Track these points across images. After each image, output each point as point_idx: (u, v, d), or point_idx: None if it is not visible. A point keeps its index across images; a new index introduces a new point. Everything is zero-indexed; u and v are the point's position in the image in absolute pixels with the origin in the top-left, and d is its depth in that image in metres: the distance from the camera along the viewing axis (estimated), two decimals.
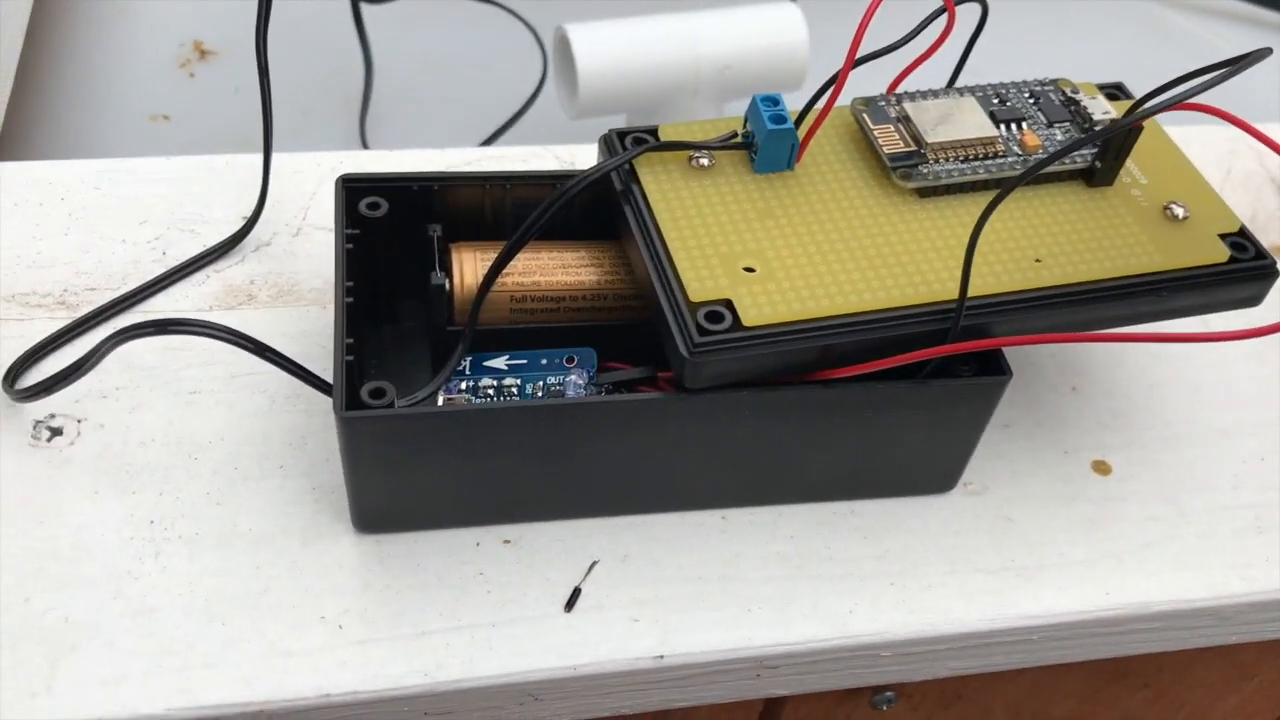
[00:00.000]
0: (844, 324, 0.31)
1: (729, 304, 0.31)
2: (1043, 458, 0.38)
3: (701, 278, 0.31)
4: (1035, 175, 0.35)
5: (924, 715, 0.44)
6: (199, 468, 0.35)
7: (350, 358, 0.31)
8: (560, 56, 0.56)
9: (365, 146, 0.60)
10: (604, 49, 0.54)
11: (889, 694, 0.40)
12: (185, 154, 0.59)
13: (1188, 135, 0.40)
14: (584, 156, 0.45)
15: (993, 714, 0.45)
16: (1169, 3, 0.81)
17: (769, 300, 0.31)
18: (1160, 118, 0.33)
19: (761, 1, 0.58)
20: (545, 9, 0.61)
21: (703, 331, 0.30)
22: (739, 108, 0.59)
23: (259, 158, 0.43)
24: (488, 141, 0.58)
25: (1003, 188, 0.30)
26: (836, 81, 0.33)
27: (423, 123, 0.61)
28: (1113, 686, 0.45)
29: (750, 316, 0.31)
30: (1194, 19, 0.79)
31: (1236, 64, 0.28)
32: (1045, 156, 0.30)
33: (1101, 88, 0.38)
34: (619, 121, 0.61)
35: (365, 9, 0.61)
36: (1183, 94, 0.28)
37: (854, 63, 0.33)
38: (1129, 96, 0.38)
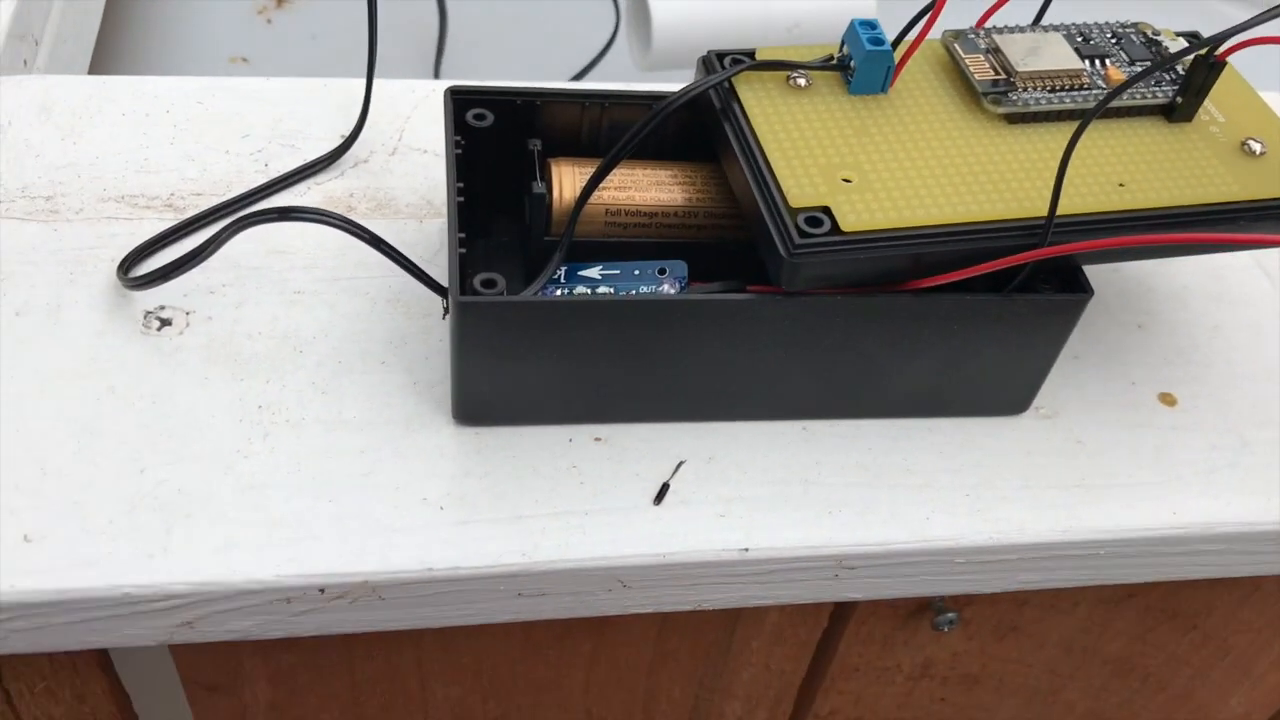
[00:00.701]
0: (937, 233, 0.33)
1: (827, 210, 0.32)
2: (1111, 388, 0.39)
3: (801, 185, 0.33)
4: (1119, 108, 0.36)
5: (978, 645, 0.45)
6: (304, 360, 0.36)
7: (463, 250, 0.33)
8: (635, 8, 0.58)
9: None
10: (679, 2, 0.56)
11: (951, 615, 0.41)
12: None
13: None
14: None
15: (1045, 649, 0.46)
16: None
17: (866, 208, 0.32)
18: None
19: None
20: None
21: (802, 234, 0.32)
22: None
23: (355, 83, 0.45)
24: None
25: (1093, 107, 0.31)
26: (933, 9, 0.34)
27: (495, 72, 0.63)
28: (1162, 627, 0.46)
29: (849, 222, 0.32)
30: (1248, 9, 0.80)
31: None
32: (1138, 72, 0.31)
33: (1179, 34, 0.39)
34: (688, 76, 0.62)
35: None
36: (1257, 20, 0.29)
37: None
38: (1206, 42, 0.40)
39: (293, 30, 0.65)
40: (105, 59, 0.61)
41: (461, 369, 0.34)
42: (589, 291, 0.36)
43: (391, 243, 0.40)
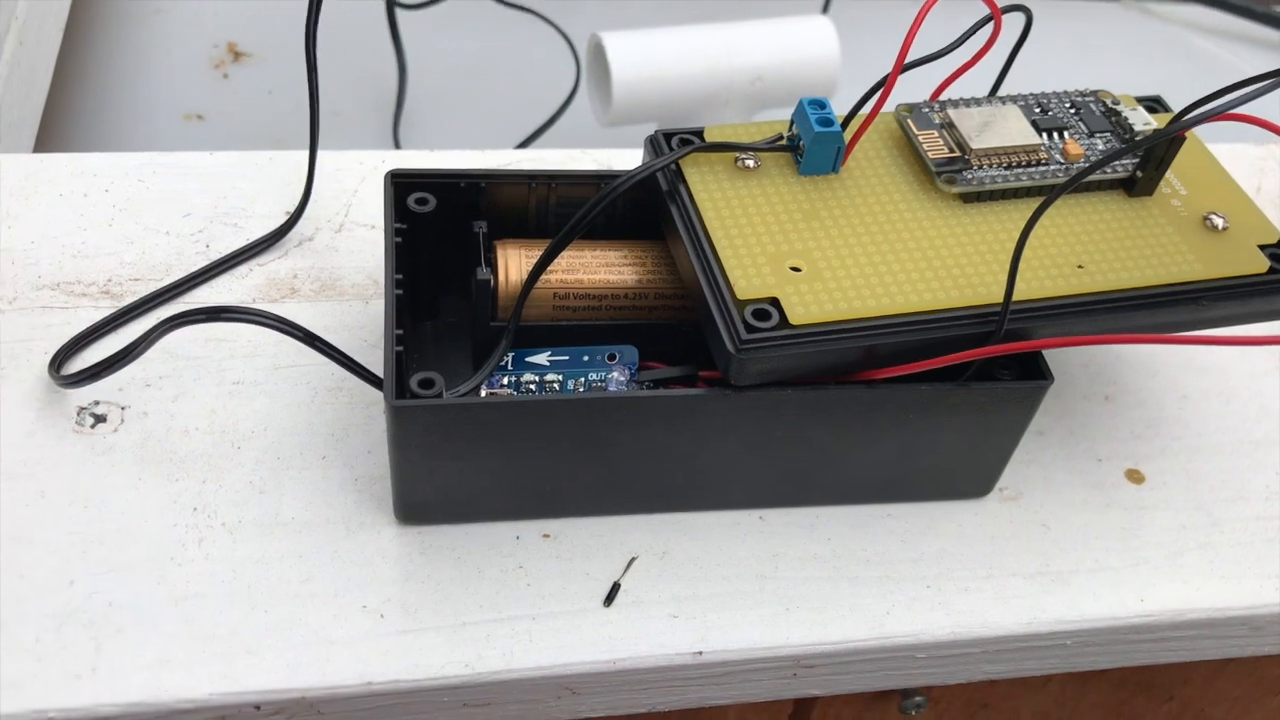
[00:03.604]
0: (888, 324, 0.32)
1: (775, 302, 0.31)
2: (1077, 465, 0.38)
3: (749, 275, 0.32)
4: (1077, 184, 0.35)
5: None
6: (242, 457, 0.35)
7: (400, 348, 0.32)
8: (594, 64, 0.57)
9: (398, 148, 0.60)
10: (638, 57, 0.55)
11: (918, 699, 0.40)
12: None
13: (1218, 152, 0.40)
14: (619, 161, 0.46)
15: None
16: (1196, 28, 0.81)
17: (815, 299, 0.31)
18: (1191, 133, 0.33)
19: (793, 13, 0.58)
20: (579, 17, 0.61)
21: (750, 329, 0.31)
22: (769, 117, 0.60)
23: (301, 154, 0.44)
24: (521, 146, 0.58)
25: (1051, 193, 0.30)
26: (883, 87, 0.33)
27: (455, 127, 0.62)
28: (1138, 699, 0.45)
29: (797, 315, 0.31)
30: (1221, 44, 0.80)
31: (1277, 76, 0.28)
32: (1093, 162, 0.30)
33: (1140, 100, 0.39)
34: (649, 130, 0.61)
35: (400, 13, 0.61)
36: (1227, 104, 0.28)
37: (901, 69, 0.33)
38: (1167, 109, 0.39)
39: (249, 85, 0.64)
40: (57, 116, 0.59)
41: (401, 470, 0.32)
42: (537, 379, 0.35)
43: (335, 326, 0.39)
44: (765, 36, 0.57)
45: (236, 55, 0.66)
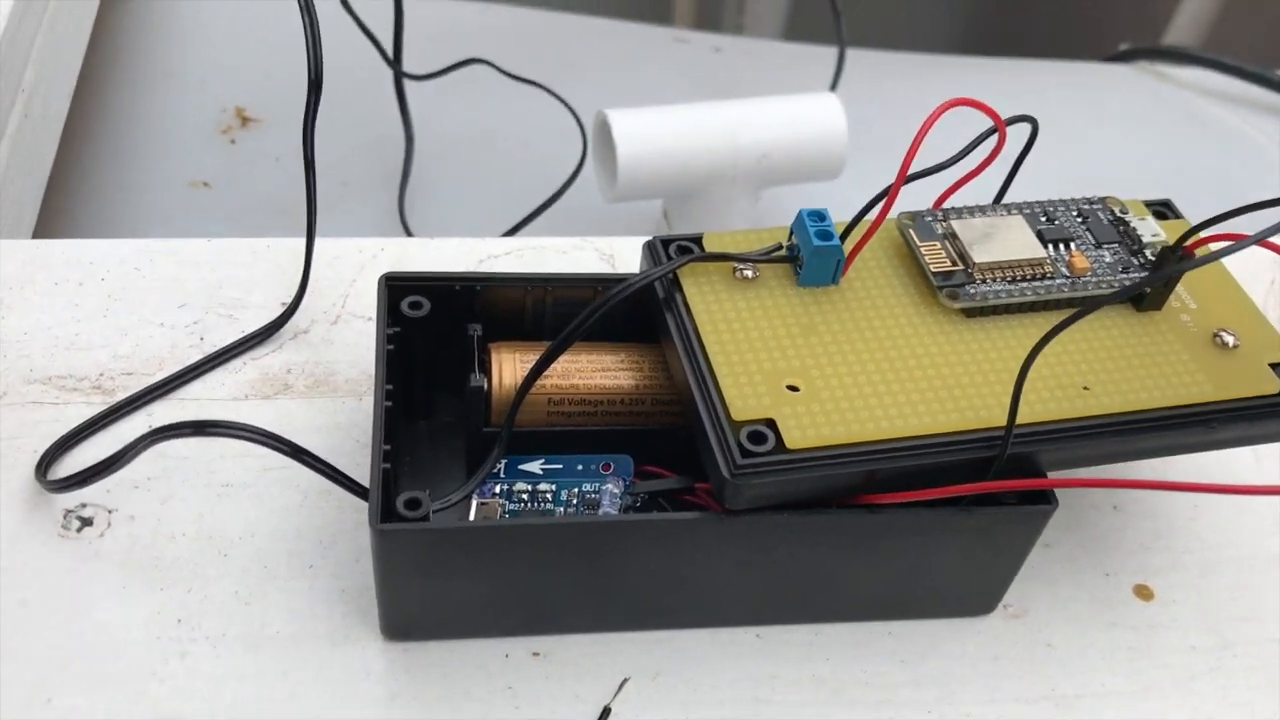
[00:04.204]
0: (889, 449, 0.31)
1: (772, 424, 0.31)
2: (1083, 580, 0.37)
3: (745, 395, 0.31)
4: (1084, 298, 0.34)
5: None
6: (229, 565, 0.34)
7: (387, 465, 0.31)
8: (600, 140, 0.56)
9: (403, 219, 0.60)
10: (644, 134, 0.54)
11: None
12: (225, 222, 0.59)
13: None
14: (622, 249, 0.45)
15: None
16: (1205, 92, 0.81)
17: (813, 421, 0.31)
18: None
19: (800, 90, 0.58)
20: (586, 92, 0.61)
21: (745, 453, 0.30)
22: (776, 195, 0.60)
23: (300, 241, 0.43)
24: (525, 221, 0.58)
25: (1054, 328, 0.29)
26: (886, 197, 0.33)
27: (462, 198, 0.61)
28: None
29: (794, 439, 0.30)
30: (1231, 109, 0.79)
31: None
32: (1105, 294, 0.30)
33: (1149, 205, 0.38)
34: (656, 206, 0.61)
35: (408, 84, 0.61)
36: (1258, 236, 0.28)
37: (904, 180, 0.32)
38: (1176, 215, 0.38)
39: (256, 151, 0.64)
40: (61, 184, 0.59)
41: (386, 591, 0.32)
42: (529, 488, 0.35)
43: (327, 426, 0.38)
44: (772, 114, 0.56)
45: (244, 121, 0.66)
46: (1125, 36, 1.02)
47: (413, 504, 0.30)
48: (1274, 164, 0.71)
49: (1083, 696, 0.34)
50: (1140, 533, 0.39)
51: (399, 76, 0.60)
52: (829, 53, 0.70)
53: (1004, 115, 0.34)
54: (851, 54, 0.68)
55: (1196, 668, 0.35)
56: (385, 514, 0.30)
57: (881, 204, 0.33)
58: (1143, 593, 0.37)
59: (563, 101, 0.59)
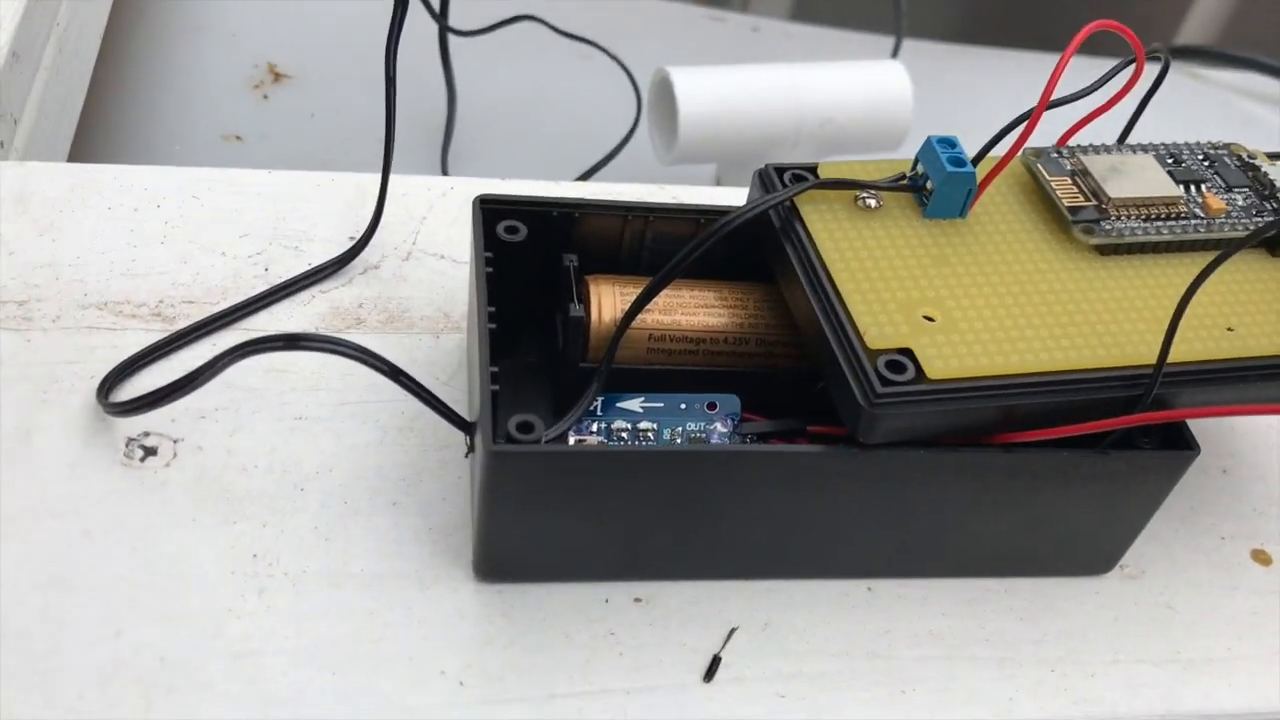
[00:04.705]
0: (1032, 384, 0.29)
1: (909, 354, 0.29)
2: (1199, 543, 0.35)
3: (880, 324, 0.29)
4: (1219, 240, 0.33)
5: None
6: (306, 500, 0.32)
7: (495, 388, 0.29)
8: (658, 99, 0.54)
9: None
10: (706, 93, 0.53)
11: None
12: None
13: None
14: (690, 197, 0.43)
15: None
16: (1244, 93, 0.80)
17: (954, 353, 0.29)
18: None
19: (866, 58, 0.56)
20: (642, 52, 0.59)
21: (885, 382, 0.28)
22: (839, 160, 0.58)
23: (361, 176, 0.41)
24: (579, 180, 0.56)
25: (1211, 262, 0.27)
26: (1026, 124, 0.31)
27: (506, 161, 0.59)
28: None
29: (935, 369, 0.28)
30: (1272, 110, 0.78)
31: None
32: (1252, 232, 0.28)
33: (1270, 156, 0.36)
34: (709, 171, 0.59)
35: (453, 40, 0.59)
36: None
37: (1046, 106, 0.31)
38: None
39: (290, 108, 0.61)
40: (90, 133, 0.57)
41: (488, 522, 0.29)
42: (629, 426, 0.33)
43: (404, 361, 0.36)
44: (837, 79, 0.55)
45: (277, 76, 0.63)
46: (1145, 38, 1.01)
47: (525, 427, 0.28)
48: None
49: (1210, 661, 0.33)
50: (1252, 496, 0.37)
51: (444, 31, 0.58)
52: (881, 41, 0.68)
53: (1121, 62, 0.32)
54: (905, 43, 0.66)
55: None
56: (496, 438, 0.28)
57: (1021, 132, 0.31)
58: (1260, 557, 0.35)
59: (617, 60, 0.57)
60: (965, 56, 0.78)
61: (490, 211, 0.33)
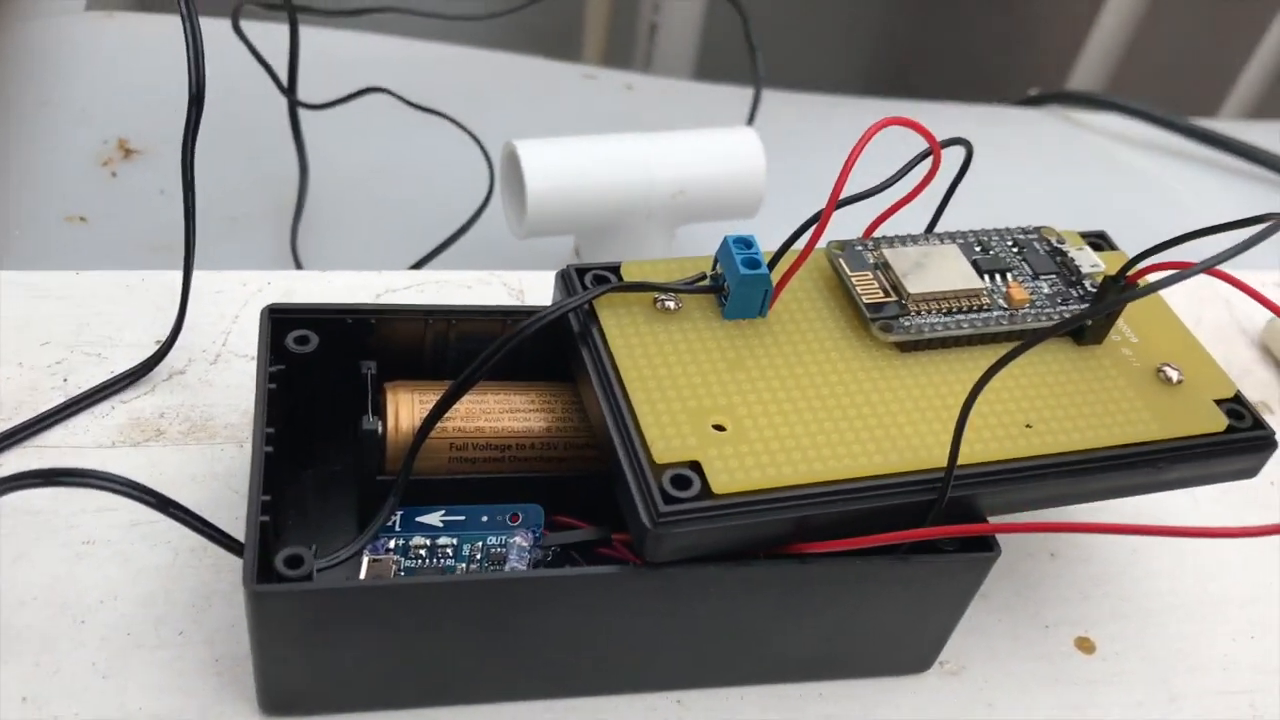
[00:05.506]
0: (822, 494, 0.28)
1: (697, 466, 0.28)
2: (1022, 634, 0.35)
3: (667, 436, 0.28)
4: (1023, 331, 0.32)
5: None
6: (86, 633, 0.30)
7: (265, 518, 0.27)
8: (508, 173, 0.54)
9: (295, 257, 0.56)
10: (554, 167, 0.52)
11: None
12: (102, 258, 0.55)
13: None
14: (532, 284, 0.43)
15: None
16: (1118, 138, 0.81)
17: (741, 464, 0.28)
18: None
19: (716, 124, 0.56)
20: (494, 124, 0.58)
21: (668, 499, 0.27)
22: (691, 231, 0.58)
23: (177, 274, 0.40)
24: (428, 258, 0.55)
25: (999, 360, 0.27)
26: (817, 224, 0.30)
27: (359, 236, 0.58)
28: None
29: (721, 483, 0.28)
30: (1144, 155, 0.80)
31: (1254, 230, 0.26)
32: (1055, 324, 0.28)
33: (1084, 235, 0.36)
34: (567, 243, 0.58)
35: (304, 114, 0.58)
36: (1206, 263, 0.26)
37: (835, 205, 0.30)
38: (1112, 246, 0.37)
39: (139, 185, 0.59)
40: None
41: (264, 660, 0.28)
42: (427, 543, 0.31)
43: (203, 475, 0.35)
44: (688, 148, 0.54)
45: (127, 152, 0.61)
46: (1031, 82, 1.02)
47: (294, 561, 0.27)
48: (1188, 207, 0.71)
49: None
50: (1078, 580, 0.37)
51: (294, 105, 0.57)
52: (742, 92, 0.68)
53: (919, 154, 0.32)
54: (765, 94, 0.66)
55: None
56: (263, 573, 0.27)
57: (811, 230, 0.31)
58: (1084, 645, 0.35)
59: (468, 132, 0.56)
60: (831, 106, 0.78)
61: (280, 321, 0.32)
